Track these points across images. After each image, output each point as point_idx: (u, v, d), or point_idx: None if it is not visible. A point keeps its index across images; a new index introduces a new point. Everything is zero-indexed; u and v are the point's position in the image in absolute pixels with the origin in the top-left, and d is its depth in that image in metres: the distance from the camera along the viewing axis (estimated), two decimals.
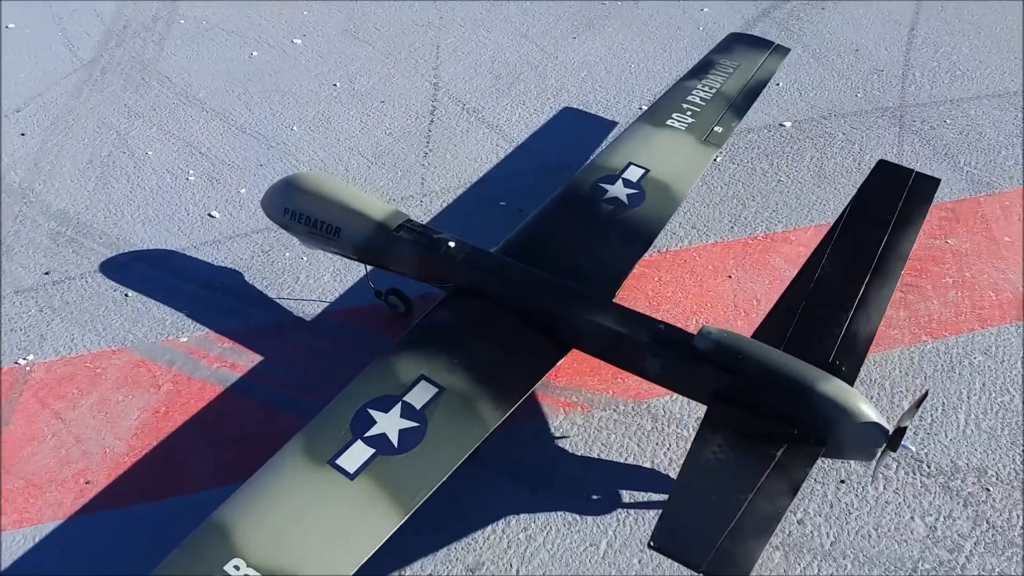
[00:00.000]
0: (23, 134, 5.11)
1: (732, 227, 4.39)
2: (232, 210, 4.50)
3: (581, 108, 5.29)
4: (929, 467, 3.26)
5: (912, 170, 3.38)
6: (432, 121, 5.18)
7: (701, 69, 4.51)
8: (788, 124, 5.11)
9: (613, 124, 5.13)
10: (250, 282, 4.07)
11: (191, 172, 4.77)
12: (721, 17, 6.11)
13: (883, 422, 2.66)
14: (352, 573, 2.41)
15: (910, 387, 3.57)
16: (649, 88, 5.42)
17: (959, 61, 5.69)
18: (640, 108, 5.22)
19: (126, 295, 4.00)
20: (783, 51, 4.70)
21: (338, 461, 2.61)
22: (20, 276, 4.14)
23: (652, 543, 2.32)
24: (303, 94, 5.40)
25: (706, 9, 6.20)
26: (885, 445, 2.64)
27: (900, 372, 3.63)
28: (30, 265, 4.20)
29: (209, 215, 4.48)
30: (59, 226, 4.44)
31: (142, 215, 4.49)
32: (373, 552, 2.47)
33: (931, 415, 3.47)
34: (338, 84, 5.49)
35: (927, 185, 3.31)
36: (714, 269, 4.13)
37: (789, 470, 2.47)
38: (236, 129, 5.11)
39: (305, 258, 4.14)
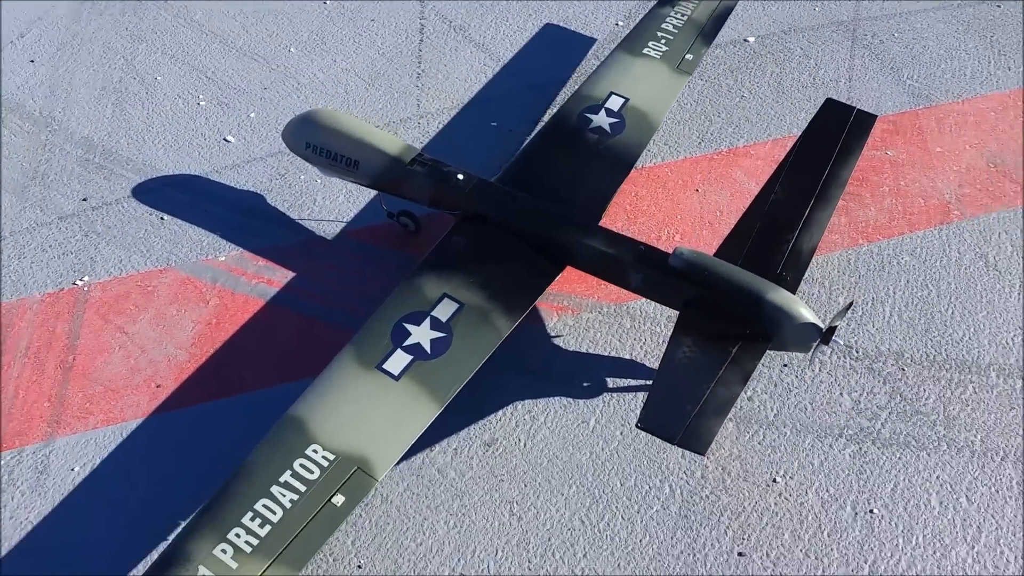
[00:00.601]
0: (32, 61, 5.36)
1: (699, 143, 4.92)
2: (245, 134, 4.91)
3: (562, 24, 5.66)
4: (857, 352, 3.98)
5: (853, 107, 3.92)
6: (422, 40, 5.53)
7: None
8: (752, 39, 5.55)
9: (592, 40, 5.52)
10: (272, 204, 4.55)
11: (201, 97, 5.12)
12: None
13: (818, 322, 3.32)
14: (399, 457, 3.07)
15: (846, 285, 4.25)
16: (625, 3, 5.78)
17: None
18: (617, 24, 5.61)
19: (161, 218, 4.46)
20: None
21: (384, 366, 3.23)
22: (60, 203, 4.57)
23: (639, 424, 3.00)
24: (295, 13, 5.67)
25: None
26: (819, 340, 3.32)
27: (838, 272, 4.29)
28: (67, 192, 4.61)
29: (224, 139, 4.88)
30: (86, 153, 4.82)
31: (162, 141, 4.87)
32: (418, 436, 3.12)
33: (862, 309, 4.16)
34: (328, 2, 5.76)
35: (866, 120, 3.87)
36: (683, 184, 4.69)
37: (742, 363, 3.14)
38: (237, 51, 5.41)
39: (320, 181, 4.61)
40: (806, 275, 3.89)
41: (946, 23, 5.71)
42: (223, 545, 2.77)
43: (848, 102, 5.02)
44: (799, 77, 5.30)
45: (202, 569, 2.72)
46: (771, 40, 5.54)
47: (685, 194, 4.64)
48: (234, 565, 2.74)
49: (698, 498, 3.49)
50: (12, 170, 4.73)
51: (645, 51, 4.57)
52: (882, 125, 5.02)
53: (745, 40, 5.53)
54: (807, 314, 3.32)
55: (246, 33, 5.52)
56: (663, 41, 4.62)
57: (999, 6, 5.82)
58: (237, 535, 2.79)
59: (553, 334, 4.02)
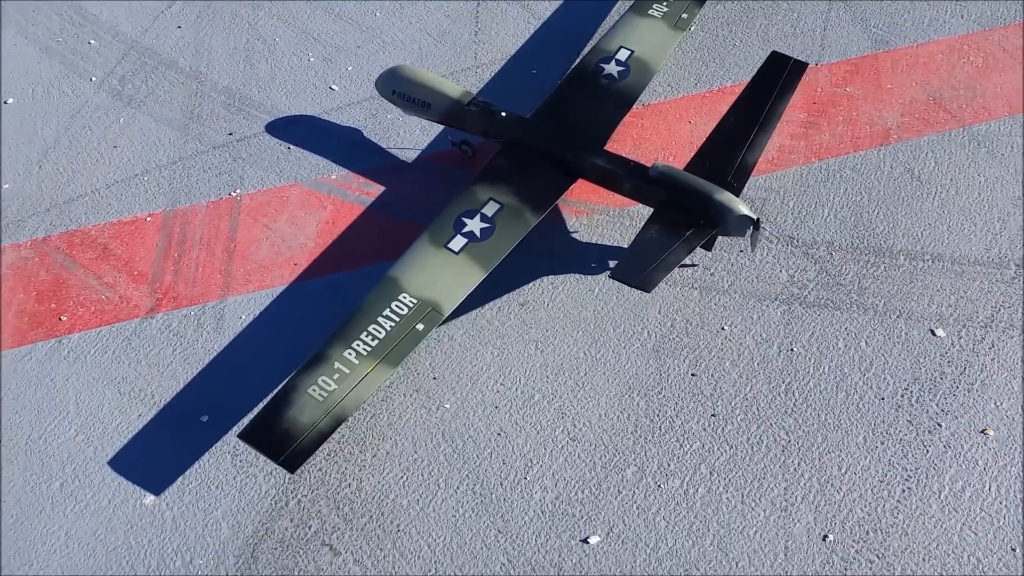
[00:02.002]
0: (179, 27, 6.97)
1: (696, 84, 6.24)
2: (346, 83, 6.45)
3: None
4: (797, 242, 5.35)
5: (791, 57, 5.21)
6: (479, 3, 6.92)
7: None
8: None
9: (615, 2, 6.82)
10: (368, 137, 6.10)
11: (310, 54, 6.66)
12: None
13: (751, 215, 4.72)
14: (459, 302, 4.64)
15: (796, 193, 5.58)
16: None
17: None
18: None
19: (288, 148, 6.06)
20: None
21: (448, 245, 4.78)
22: (213, 136, 6.20)
23: (611, 275, 4.52)
24: None
25: None
26: (752, 228, 4.72)
27: (792, 183, 5.63)
28: (217, 128, 6.24)
29: (330, 88, 6.43)
30: (228, 99, 6.43)
31: (284, 89, 6.45)
32: (471, 291, 4.69)
33: (807, 209, 5.50)
34: None
35: (800, 67, 5.16)
36: (680, 117, 6.04)
37: (690, 241, 4.59)
38: (335, 16, 6.92)
39: (402, 119, 6.13)
40: (767, 184, 5.29)
41: None
42: (348, 350, 4.41)
43: (820, 49, 6.30)
44: (782, 28, 6.52)
45: (336, 364, 4.37)
46: None
47: (680, 125, 6.00)
48: (356, 362, 4.38)
49: (667, 340, 4.99)
50: (175, 112, 6.37)
51: (650, 12, 5.89)
52: (845, 67, 6.25)
53: None
54: (743, 209, 4.72)
55: (341, 1, 7.01)
56: (664, 3, 5.93)
57: None
58: (357, 344, 4.42)
59: (572, 231, 5.50)
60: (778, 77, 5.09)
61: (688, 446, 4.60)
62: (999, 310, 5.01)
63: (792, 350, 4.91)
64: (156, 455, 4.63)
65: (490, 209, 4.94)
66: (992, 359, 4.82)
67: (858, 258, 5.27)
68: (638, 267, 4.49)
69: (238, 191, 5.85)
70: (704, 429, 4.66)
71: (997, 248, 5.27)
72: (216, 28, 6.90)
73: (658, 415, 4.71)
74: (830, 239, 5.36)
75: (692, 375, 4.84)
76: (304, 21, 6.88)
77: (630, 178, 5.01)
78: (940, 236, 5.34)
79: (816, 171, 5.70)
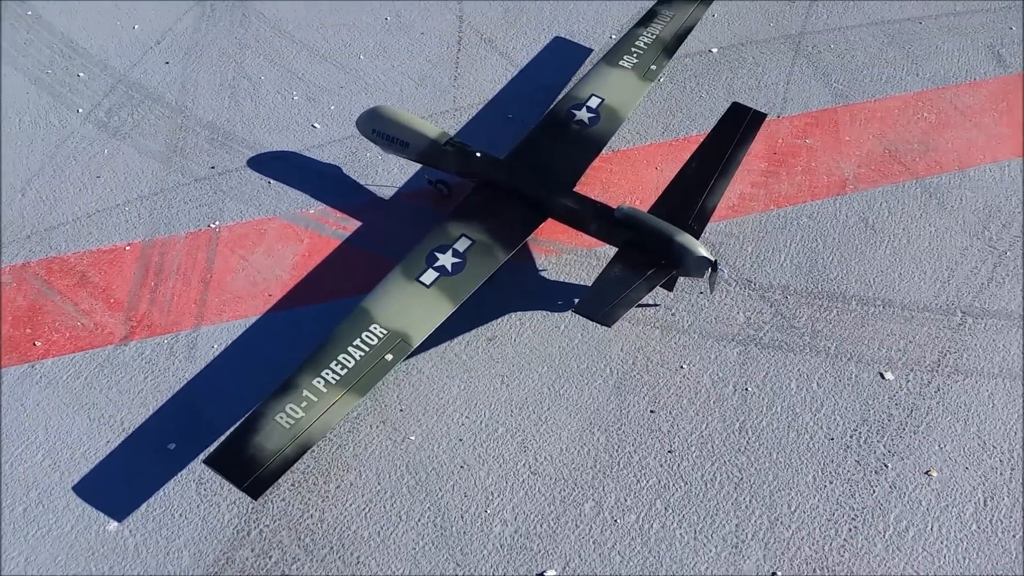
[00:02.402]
0: (167, 62, 7.18)
1: (663, 132, 6.50)
2: (327, 122, 6.66)
3: (567, 37, 7.25)
4: (754, 285, 5.56)
5: (751, 108, 5.48)
6: (459, 50, 7.19)
7: (647, 19, 6.46)
8: (715, 50, 7.07)
9: (590, 50, 7.11)
10: (347, 173, 6.29)
11: (294, 93, 6.88)
12: None
13: (710, 256, 4.93)
14: (428, 334, 4.79)
15: (754, 239, 5.81)
16: (619, 18, 7.34)
17: None
18: (611, 37, 7.18)
19: (268, 182, 6.24)
20: (708, 1, 6.61)
21: (420, 279, 4.95)
22: (195, 169, 6.38)
23: (574, 309, 4.71)
24: (364, 27, 7.38)
25: None
26: (710, 269, 4.93)
27: (751, 229, 5.86)
28: (200, 161, 6.42)
29: (312, 125, 6.64)
30: (211, 133, 6.62)
31: (267, 126, 6.65)
32: (439, 325, 4.84)
33: (765, 254, 5.73)
34: (388, 18, 7.45)
35: (759, 118, 5.42)
36: (646, 163, 6.29)
37: (651, 280, 4.79)
38: (320, 57, 7.16)
39: (381, 157, 6.34)
40: (727, 230, 5.51)
41: (874, 36, 7.15)
42: (317, 379, 4.54)
43: (783, 102, 6.59)
44: (747, 81, 6.82)
45: (305, 392, 4.49)
46: (730, 51, 7.06)
47: (647, 170, 6.24)
48: (324, 390, 4.51)
49: (628, 377, 5.16)
50: (159, 144, 6.55)
51: (620, 63, 6.16)
52: (805, 119, 6.54)
53: (709, 50, 7.06)
54: (702, 251, 4.93)
55: (326, 43, 7.25)
56: (635, 55, 6.21)
57: (920, 23, 7.22)
58: (326, 373, 4.55)
59: (540, 268, 5.69)
60: (738, 127, 5.35)
61: (645, 481, 4.74)
62: (945, 355, 5.22)
63: (747, 389, 5.09)
64: (122, 482, 4.72)
65: (462, 245, 5.12)
66: (937, 403, 5.01)
67: (812, 302, 5.48)
68: (600, 302, 4.68)
69: (217, 223, 6.00)
70: (661, 465, 4.80)
71: (945, 295, 5.51)
72: (203, 65, 7.12)
73: (617, 450, 4.86)
74: (786, 283, 5.58)
75: (651, 412, 5.01)
76: (289, 61, 7.11)
77: (596, 219, 5.22)
78: (891, 283, 5.58)
79: (774, 218, 5.94)
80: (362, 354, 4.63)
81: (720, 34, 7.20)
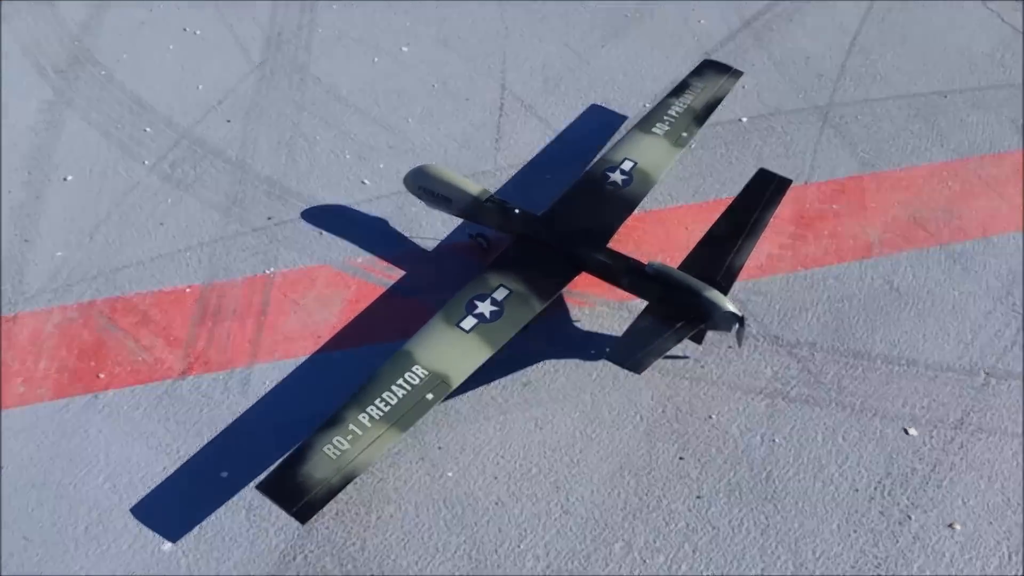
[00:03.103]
0: (228, 121, 7.69)
1: (693, 195, 6.82)
2: (376, 179, 7.07)
3: (604, 105, 7.66)
4: (782, 341, 5.78)
5: (776, 175, 5.78)
6: (501, 115, 7.63)
7: (679, 89, 6.85)
8: (744, 119, 7.43)
9: (624, 118, 7.50)
10: (393, 227, 6.67)
11: (346, 152, 7.33)
12: (712, 27, 8.35)
13: (737, 312, 5.18)
14: (466, 376, 5.06)
15: (783, 298, 6.05)
16: (653, 89, 7.75)
17: (882, 67, 7.89)
18: (644, 106, 7.57)
19: (320, 233, 6.63)
20: (738, 74, 7.01)
21: (460, 324, 5.25)
22: (252, 219, 6.79)
23: (606, 356, 4.95)
24: (412, 93, 7.87)
25: (702, 21, 8.44)
26: (737, 324, 5.17)
27: (779, 289, 6.10)
28: (258, 212, 6.83)
29: (362, 182, 7.06)
30: (268, 187, 7.05)
31: (320, 181, 7.07)
32: (477, 368, 5.11)
33: (792, 312, 5.95)
34: (435, 85, 7.94)
35: (784, 183, 5.73)
36: (677, 224, 6.59)
37: (680, 332, 5.04)
38: (370, 120, 7.62)
39: (426, 212, 6.72)
40: (756, 288, 5.78)
41: (900, 109, 7.47)
42: (363, 414, 4.81)
43: (810, 169, 6.90)
44: (775, 148, 7.15)
45: (351, 426, 4.76)
46: (759, 120, 7.41)
47: (678, 230, 6.54)
48: (369, 425, 4.77)
49: (658, 424, 5.36)
50: (219, 196, 6.99)
51: (653, 130, 6.53)
52: (832, 186, 6.82)
53: (739, 120, 7.43)
54: (730, 306, 5.18)
55: (377, 107, 7.73)
56: (667, 123, 6.57)
57: (946, 97, 7.55)
58: (371, 409, 4.83)
59: (574, 319, 5.97)
60: (764, 191, 5.65)
61: (673, 525, 4.90)
62: (969, 414, 5.36)
63: (774, 440, 5.26)
64: (176, 506, 4.98)
65: (500, 294, 5.43)
66: (961, 459, 5.14)
67: (838, 359, 5.68)
68: (631, 351, 4.93)
69: (272, 269, 6.38)
70: (689, 510, 4.97)
71: (968, 356, 5.67)
72: (262, 124, 7.61)
73: (646, 494, 5.03)
74: (813, 340, 5.78)
75: (680, 458, 5.19)
76: (343, 123, 7.58)
77: (628, 274, 5.51)
78: (916, 343, 5.76)
79: (801, 279, 6.18)
80: (404, 393, 4.90)
81: (750, 104, 7.56)
